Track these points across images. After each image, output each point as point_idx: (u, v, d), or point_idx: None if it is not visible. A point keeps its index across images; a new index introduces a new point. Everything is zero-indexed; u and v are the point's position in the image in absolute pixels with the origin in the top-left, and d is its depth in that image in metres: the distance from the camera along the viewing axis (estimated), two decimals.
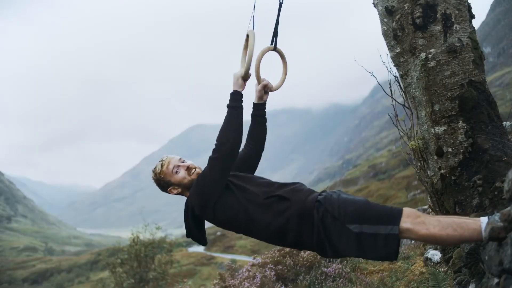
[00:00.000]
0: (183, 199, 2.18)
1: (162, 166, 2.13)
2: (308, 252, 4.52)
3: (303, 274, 4.16)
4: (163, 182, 2.14)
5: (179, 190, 2.15)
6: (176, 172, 2.11)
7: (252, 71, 2.17)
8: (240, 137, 2.01)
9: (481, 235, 1.60)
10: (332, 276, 3.93)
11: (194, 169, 2.13)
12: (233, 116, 2.01)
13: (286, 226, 1.91)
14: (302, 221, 1.89)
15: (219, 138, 1.98)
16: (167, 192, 2.18)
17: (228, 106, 2.04)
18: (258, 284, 4.04)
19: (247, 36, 2.18)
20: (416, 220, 1.71)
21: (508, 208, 1.48)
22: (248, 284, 4.08)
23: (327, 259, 4.36)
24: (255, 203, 1.96)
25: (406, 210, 1.76)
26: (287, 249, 4.65)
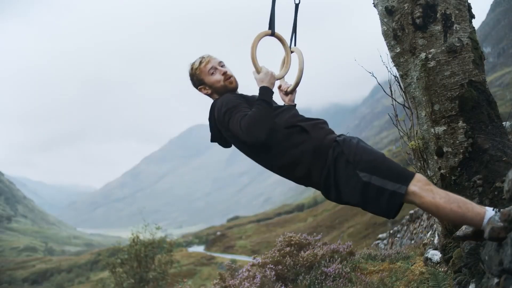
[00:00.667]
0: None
1: (200, 63, 2.13)
2: (308, 252, 4.52)
3: (303, 274, 4.16)
4: (196, 78, 2.15)
5: (209, 91, 2.15)
6: (212, 73, 2.11)
7: (252, 60, 2.11)
8: (268, 136, 1.91)
9: (482, 221, 1.58)
10: (332, 276, 3.93)
11: (230, 77, 2.12)
12: (268, 112, 1.92)
13: (299, 158, 1.90)
14: (315, 157, 1.88)
15: (251, 128, 1.85)
16: (197, 89, 2.18)
17: (263, 100, 1.94)
18: (258, 284, 4.05)
19: (282, 40, 2.19)
20: (425, 186, 1.70)
21: (508, 208, 1.48)
22: (248, 284, 4.08)
23: (327, 259, 4.36)
24: (275, 130, 1.93)
25: (418, 175, 1.75)
26: (287, 249, 4.66)
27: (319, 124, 2.00)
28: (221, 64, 2.16)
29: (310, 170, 1.90)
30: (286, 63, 2.30)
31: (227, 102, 1.99)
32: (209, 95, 2.18)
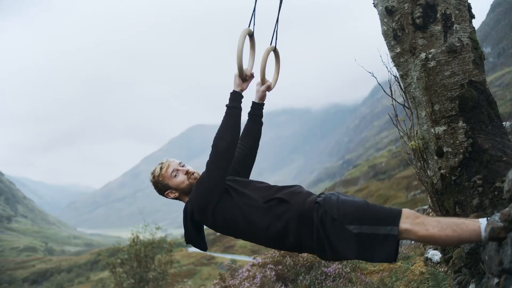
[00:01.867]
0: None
1: (161, 169, 2.12)
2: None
3: (303, 274, 4.16)
4: (161, 185, 2.12)
5: (176, 194, 2.12)
6: (175, 175, 2.10)
7: (257, 71, 2.15)
8: (237, 137, 2.01)
9: (480, 236, 1.60)
10: (332, 276, 3.93)
11: (193, 174, 2.11)
12: (230, 116, 2.00)
13: (286, 229, 1.90)
14: (301, 224, 1.88)
15: (216, 138, 1.98)
16: (164, 195, 2.15)
17: (226, 106, 2.03)
18: (258, 284, 4.04)
19: (251, 36, 2.17)
20: (416, 220, 1.71)
21: (508, 208, 1.48)
22: (248, 284, 4.08)
23: (329, 261, 4.36)
24: (254, 207, 1.95)
25: (405, 211, 1.76)
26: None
27: (295, 190, 2.00)
28: (182, 165, 2.15)
29: (301, 237, 1.90)
30: (275, 73, 2.35)
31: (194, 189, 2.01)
32: (178, 198, 2.15)
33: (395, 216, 1.74)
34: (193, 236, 2.12)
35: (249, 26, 2.13)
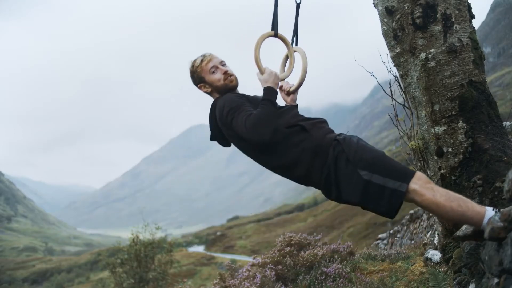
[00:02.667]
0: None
1: (202, 61, 2.13)
2: (308, 252, 4.52)
3: (303, 274, 4.16)
4: (197, 76, 2.15)
5: (209, 89, 2.15)
6: (213, 72, 2.11)
7: (255, 61, 2.12)
8: (272, 135, 1.92)
9: (481, 221, 1.59)
10: (332, 276, 3.93)
11: (230, 76, 2.12)
12: (273, 111, 1.93)
13: (299, 157, 1.89)
14: (315, 156, 1.87)
15: (256, 127, 1.86)
16: (197, 87, 2.19)
17: (268, 100, 1.95)
18: (258, 284, 4.05)
19: (285, 41, 2.20)
20: (426, 184, 1.70)
21: (508, 208, 1.48)
22: (248, 284, 4.08)
23: (327, 259, 4.36)
24: (275, 130, 1.92)
25: (419, 173, 1.75)
26: (287, 249, 4.65)
27: (319, 123, 2.00)
28: (223, 63, 2.16)
29: (310, 169, 1.89)
30: (290, 63, 2.30)
31: (230, 102, 1.99)
32: (209, 93, 2.18)
33: (408, 175, 1.73)
34: (217, 133, 2.14)
35: (272, 29, 2.14)
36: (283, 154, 1.93)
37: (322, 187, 1.90)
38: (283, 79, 2.27)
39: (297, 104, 2.28)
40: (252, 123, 1.86)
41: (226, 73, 2.12)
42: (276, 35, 2.18)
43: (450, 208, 1.63)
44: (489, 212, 1.60)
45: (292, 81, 2.30)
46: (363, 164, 1.78)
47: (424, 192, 1.68)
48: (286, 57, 2.31)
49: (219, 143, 2.20)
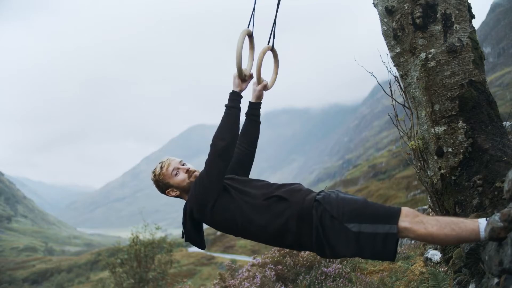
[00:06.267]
0: (181, 200, 2.17)
1: (162, 168, 2.13)
2: (308, 252, 4.52)
3: (303, 274, 4.16)
4: (162, 183, 2.14)
5: (177, 192, 2.14)
6: (176, 174, 2.11)
7: (254, 70, 2.16)
8: (236, 137, 2.02)
9: (478, 236, 1.60)
10: (332, 276, 3.93)
11: (193, 172, 2.12)
12: (229, 116, 2.01)
13: (285, 227, 1.90)
14: (301, 222, 1.88)
15: (214, 138, 1.98)
16: (165, 194, 2.17)
17: (225, 106, 2.04)
18: (258, 284, 4.04)
19: (250, 36, 2.16)
20: (415, 219, 1.71)
21: (508, 208, 1.48)
22: (248, 284, 4.08)
23: (327, 258, 4.36)
24: (253, 204, 1.95)
25: (405, 210, 1.76)
26: (287, 249, 4.65)
27: (295, 188, 2.01)
28: (182, 163, 2.17)
29: (300, 236, 1.90)
30: (274, 73, 2.32)
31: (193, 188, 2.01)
32: (179, 196, 2.17)
33: (394, 215, 1.74)
34: (192, 234, 2.12)
35: (248, 27, 2.13)
36: (269, 227, 1.93)
37: (316, 249, 1.91)
38: (267, 89, 2.29)
39: (260, 103, 2.29)
40: (215, 134, 1.98)
41: (188, 171, 2.12)
42: (272, 48, 2.21)
43: (445, 235, 1.65)
44: (482, 225, 1.61)
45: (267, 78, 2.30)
46: (348, 217, 1.79)
47: (416, 227, 1.70)
48: (251, 52, 2.26)
49: (194, 244, 2.17)
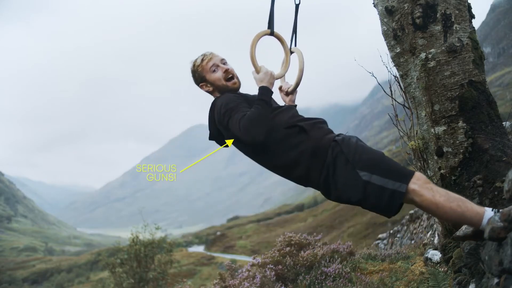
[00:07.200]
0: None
1: (202, 60, 2.13)
2: (308, 252, 4.52)
3: (303, 274, 4.16)
4: (198, 75, 2.15)
5: (210, 88, 2.16)
6: (214, 71, 2.11)
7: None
8: (266, 136, 1.91)
9: (481, 221, 1.59)
10: (332, 276, 3.93)
11: (232, 75, 2.12)
12: (267, 111, 1.92)
13: (298, 159, 1.89)
14: (314, 157, 1.87)
15: (249, 128, 1.85)
16: (198, 86, 2.18)
17: (262, 100, 1.94)
18: (258, 284, 4.04)
19: (281, 40, 2.19)
20: (425, 184, 1.69)
21: (508, 208, 1.48)
22: (248, 284, 4.08)
23: (327, 259, 4.36)
24: (274, 130, 1.92)
25: (418, 174, 1.75)
26: (287, 249, 4.65)
27: (318, 124, 1.99)
28: (223, 62, 2.16)
29: (309, 171, 1.89)
30: (285, 62, 2.30)
31: (227, 102, 1.98)
32: (210, 92, 2.18)
33: (407, 175, 1.73)
34: (215, 132, 2.13)
35: (268, 28, 2.13)
36: (282, 155, 1.93)
37: (321, 188, 1.90)
38: (278, 78, 2.26)
39: (296, 105, 2.28)
40: (246, 124, 1.85)
41: (226, 71, 2.12)
42: (272, 33, 2.17)
43: (450, 209, 1.63)
44: (488, 212, 1.60)
45: (289, 81, 2.31)
46: (362, 165, 1.78)
47: (424, 192, 1.67)
48: (287, 58, 2.31)
49: (218, 143, 2.18)
